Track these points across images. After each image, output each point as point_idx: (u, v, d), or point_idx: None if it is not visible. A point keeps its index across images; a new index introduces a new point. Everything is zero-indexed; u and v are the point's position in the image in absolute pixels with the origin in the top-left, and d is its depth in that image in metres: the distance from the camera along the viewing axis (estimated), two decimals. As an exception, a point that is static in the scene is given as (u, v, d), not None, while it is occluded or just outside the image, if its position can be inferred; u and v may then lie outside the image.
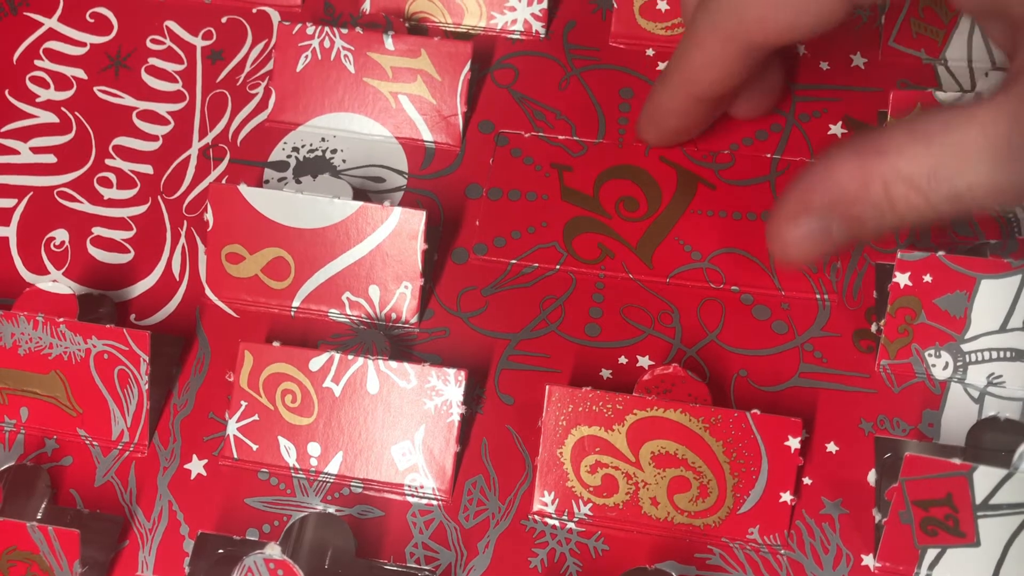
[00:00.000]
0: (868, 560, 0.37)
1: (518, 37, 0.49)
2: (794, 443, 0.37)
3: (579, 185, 0.45)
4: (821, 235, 0.37)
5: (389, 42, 0.46)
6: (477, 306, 0.43)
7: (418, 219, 0.41)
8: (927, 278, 0.39)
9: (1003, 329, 0.39)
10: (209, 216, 0.42)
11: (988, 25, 0.36)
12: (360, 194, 0.45)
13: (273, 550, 0.35)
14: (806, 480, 0.38)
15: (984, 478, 0.35)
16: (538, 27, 0.48)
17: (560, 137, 0.46)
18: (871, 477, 0.38)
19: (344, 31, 0.46)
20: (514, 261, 0.43)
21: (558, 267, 0.43)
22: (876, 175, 0.35)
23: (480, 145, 0.46)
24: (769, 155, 0.45)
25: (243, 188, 0.42)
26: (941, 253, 0.39)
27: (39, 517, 0.39)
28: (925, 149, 0.34)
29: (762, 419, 0.37)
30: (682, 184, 0.45)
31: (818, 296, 0.42)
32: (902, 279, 0.39)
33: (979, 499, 0.35)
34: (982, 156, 0.33)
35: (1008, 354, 0.39)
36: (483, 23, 0.49)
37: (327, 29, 0.46)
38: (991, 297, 0.39)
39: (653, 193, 0.44)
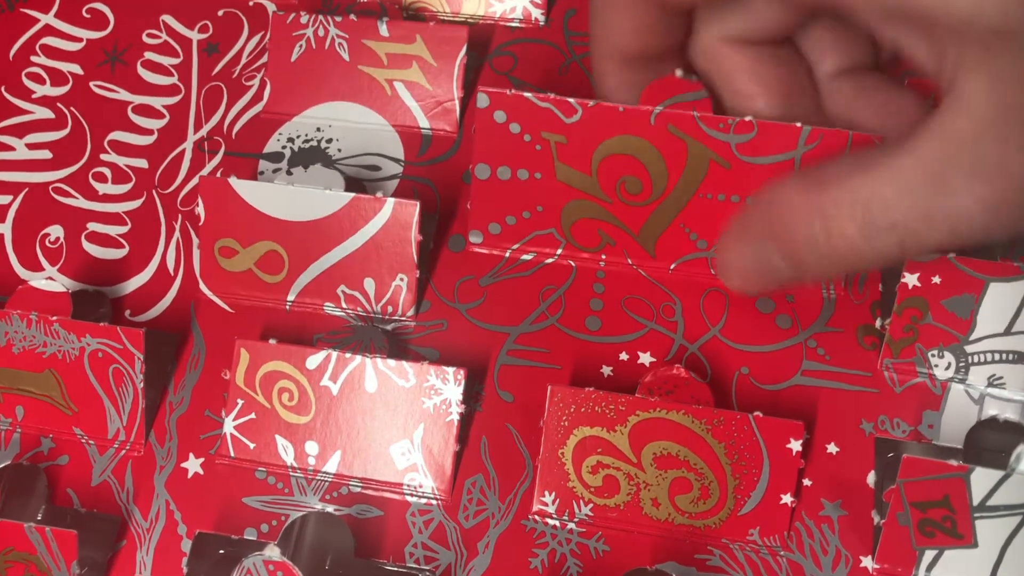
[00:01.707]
0: (867, 562, 0.37)
1: (517, 25, 0.48)
2: (796, 445, 0.37)
3: (575, 161, 0.41)
4: (763, 265, 0.37)
5: (383, 28, 0.45)
6: (475, 297, 0.42)
7: (412, 210, 0.40)
8: (936, 279, 0.38)
9: (1008, 332, 0.38)
10: (200, 210, 0.42)
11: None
12: (356, 183, 0.44)
13: (272, 551, 0.35)
14: (806, 481, 0.38)
15: (981, 479, 0.35)
16: (537, 15, 0.48)
17: (551, 95, 0.40)
18: (871, 479, 0.38)
19: (338, 19, 0.46)
20: (514, 247, 0.42)
21: (557, 254, 0.42)
22: (815, 206, 0.34)
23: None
24: (799, 124, 0.38)
25: (233, 181, 0.41)
26: (952, 254, 0.38)
27: (37, 518, 0.39)
28: (862, 179, 0.33)
29: (764, 421, 0.37)
30: (692, 162, 0.40)
31: (824, 292, 0.41)
32: (911, 279, 0.38)
33: (976, 500, 0.35)
34: (915, 185, 0.32)
35: (1011, 356, 0.39)
36: (482, 11, 0.48)
37: (321, 18, 0.46)
38: (999, 300, 0.38)
39: (659, 173, 0.41)
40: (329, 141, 0.46)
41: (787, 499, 0.37)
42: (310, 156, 0.45)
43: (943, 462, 0.35)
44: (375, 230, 0.41)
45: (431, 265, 0.43)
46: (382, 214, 0.41)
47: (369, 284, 0.41)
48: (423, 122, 0.46)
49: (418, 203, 0.40)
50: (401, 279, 0.41)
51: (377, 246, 0.41)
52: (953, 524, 0.35)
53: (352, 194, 0.41)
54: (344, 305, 0.42)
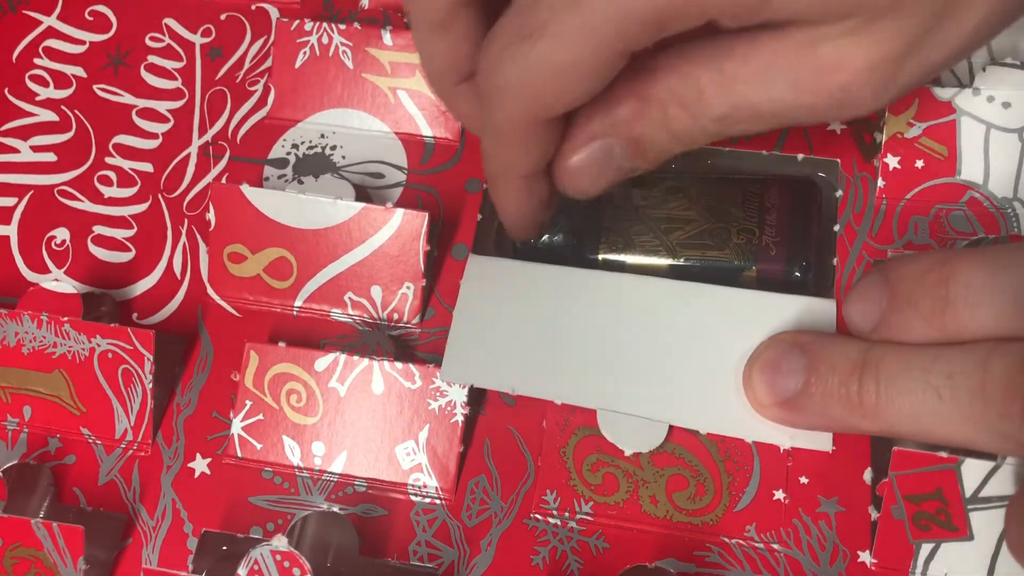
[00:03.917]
0: (865, 557, 0.37)
1: (516, 32, 0.49)
2: None
3: None
4: (602, 156, 0.36)
5: (387, 37, 0.46)
6: (478, 304, 0.43)
7: (420, 221, 0.41)
8: None
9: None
10: (211, 216, 0.42)
11: None
12: (360, 190, 0.45)
13: (280, 541, 0.35)
14: (803, 479, 0.38)
15: (972, 471, 0.35)
16: (536, 22, 0.48)
17: None
18: (867, 475, 0.38)
19: (342, 27, 0.46)
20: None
21: None
22: (653, 96, 0.34)
23: (479, 140, 0.46)
24: None
25: (245, 188, 0.42)
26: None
27: (42, 515, 0.39)
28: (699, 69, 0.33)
29: None
30: None
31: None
32: None
33: (968, 492, 0.35)
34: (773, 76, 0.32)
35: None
36: (482, 18, 0.49)
37: (325, 25, 0.46)
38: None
39: None
40: (333, 148, 0.46)
41: (780, 495, 0.38)
42: (315, 163, 0.46)
43: (933, 454, 0.35)
44: (384, 239, 0.42)
45: (435, 272, 0.43)
46: (391, 224, 0.41)
47: (376, 291, 0.42)
48: (426, 130, 0.46)
49: (427, 214, 0.41)
50: (408, 287, 0.42)
51: (385, 255, 0.42)
52: (947, 516, 0.35)
53: (362, 204, 0.41)
54: (351, 311, 0.43)
